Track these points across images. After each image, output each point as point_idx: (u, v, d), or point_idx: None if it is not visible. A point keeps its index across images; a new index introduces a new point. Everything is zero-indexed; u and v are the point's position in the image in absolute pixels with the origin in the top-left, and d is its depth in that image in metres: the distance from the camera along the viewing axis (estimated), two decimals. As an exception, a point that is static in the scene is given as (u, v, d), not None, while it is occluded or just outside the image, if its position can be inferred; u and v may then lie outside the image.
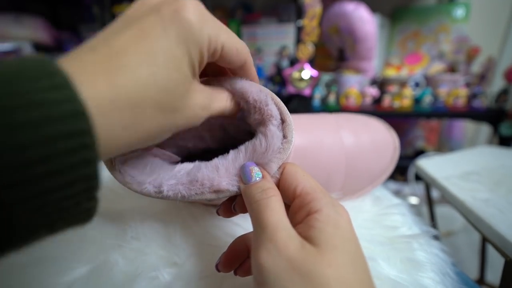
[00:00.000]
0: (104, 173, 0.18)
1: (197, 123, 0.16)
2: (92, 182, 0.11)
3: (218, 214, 0.20)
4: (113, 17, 0.78)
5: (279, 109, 0.18)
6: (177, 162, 0.23)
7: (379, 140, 0.31)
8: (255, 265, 0.13)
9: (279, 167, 0.18)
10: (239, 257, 0.18)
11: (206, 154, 0.25)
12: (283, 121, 0.18)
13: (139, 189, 0.19)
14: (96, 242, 0.25)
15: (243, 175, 0.17)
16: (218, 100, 0.17)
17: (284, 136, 0.18)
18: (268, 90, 0.19)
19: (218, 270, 0.18)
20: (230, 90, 0.19)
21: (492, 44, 0.99)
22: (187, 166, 0.19)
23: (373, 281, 0.13)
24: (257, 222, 0.14)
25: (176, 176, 0.19)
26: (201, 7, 0.14)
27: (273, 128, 0.18)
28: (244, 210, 0.17)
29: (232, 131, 0.24)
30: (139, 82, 0.12)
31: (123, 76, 0.12)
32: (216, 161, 0.19)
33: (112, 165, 0.19)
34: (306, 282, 0.11)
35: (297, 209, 0.15)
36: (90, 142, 0.10)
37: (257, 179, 0.16)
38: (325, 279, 0.11)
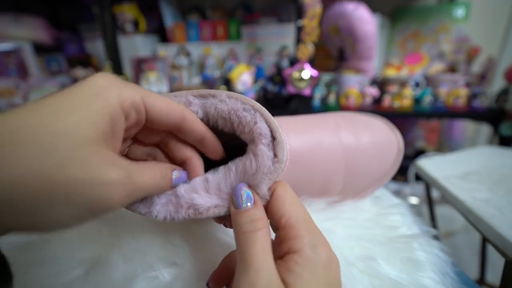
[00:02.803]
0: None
1: (106, 207, 0.13)
2: None
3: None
4: (113, 17, 0.78)
5: (269, 125, 0.17)
6: None
7: (382, 142, 0.30)
8: None
9: (269, 188, 0.17)
10: (229, 274, 0.18)
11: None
12: (273, 138, 0.17)
13: (131, 208, 0.18)
14: (96, 242, 0.25)
15: (234, 198, 0.17)
16: (142, 175, 0.15)
17: (275, 155, 0.17)
18: (255, 103, 0.18)
19: None
20: (211, 113, 0.18)
21: (492, 44, 0.99)
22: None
23: None
24: (242, 257, 0.14)
25: (167, 195, 0.18)
26: (110, 75, 0.15)
27: (263, 148, 0.17)
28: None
29: (223, 138, 0.23)
30: None
31: None
32: (205, 177, 0.18)
33: None
34: None
35: (281, 241, 0.15)
36: None
37: (248, 204, 0.16)
38: None
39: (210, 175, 0.18)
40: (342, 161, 0.28)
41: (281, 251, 0.15)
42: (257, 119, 0.17)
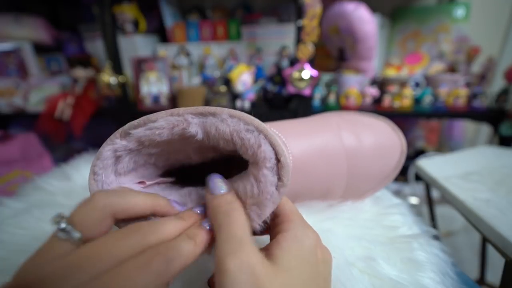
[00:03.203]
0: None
1: None
2: None
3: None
4: (113, 17, 0.78)
5: (274, 148, 0.17)
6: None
7: (384, 144, 0.29)
8: (220, 271, 0.13)
9: None
10: None
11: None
12: (278, 160, 0.17)
13: None
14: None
15: (210, 186, 0.17)
16: None
17: (279, 179, 0.17)
18: (259, 124, 0.17)
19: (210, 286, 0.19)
20: (212, 134, 0.17)
21: (492, 44, 0.99)
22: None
23: None
24: (225, 232, 0.15)
25: None
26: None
27: (267, 173, 0.16)
28: None
29: (225, 152, 0.22)
30: None
31: None
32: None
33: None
34: None
35: (274, 227, 0.17)
36: None
37: (222, 191, 0.17)
38: None
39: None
40: (345, 164, 0.27)
41: (274, 234, 0.16)
42: (261, 141, 0.16)
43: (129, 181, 0.20)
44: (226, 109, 0.17)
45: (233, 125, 0.17)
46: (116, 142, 0.18)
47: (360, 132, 0.29)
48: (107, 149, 0.18)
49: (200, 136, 0.17)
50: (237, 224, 0.15)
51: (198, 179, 0.22)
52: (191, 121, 0.17)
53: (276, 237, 0.16)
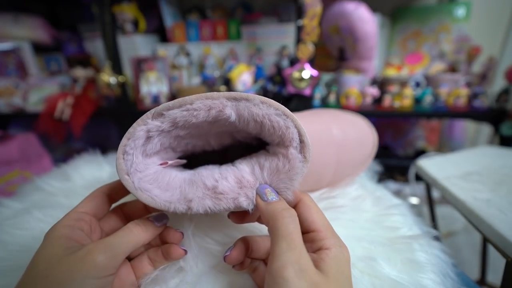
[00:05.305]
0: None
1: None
2: None
3: (228, 217, 0.22)
4: (112, 16, 0.78)
5: (298, 130, 0.19)
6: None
7: (363, 138, 0.34)
8: (277, 277, 0.15)
9: (296, 196, 0.20)
10: (244, 254, 0.21)
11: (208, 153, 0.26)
12: (301, 141, 0.19)
13: (165, 209, 0.20)
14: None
15: (262, 194, 0.20)
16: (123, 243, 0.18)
17: (304, 157, 0.19)
18: (285, 109, 0.19)
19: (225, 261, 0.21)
20: (244, 116, 0.19)
21: (493, 44, 0.99)
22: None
23: None
24: (287, 241, 0.17)
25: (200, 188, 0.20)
26: None
27: (294, 151, 0.19)
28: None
29: (240, 137, 0.24)
30: None
31: None
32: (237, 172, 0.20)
33: (133, 186, 0.19)
34: None
35: (311, 241, 0.19)
36: None
37: (274, 199, 0.19)
38: None
39: (241, 170, 0.21)
40: (335, 154, 0.30)
41: (312, 247, 0.19)
42: (288, 124, 0.19)
43: (153, 162, 0.21)
44: (258, 96, 0.19)
45: (265, 109, 0.19)
46: (148, 123, 0.19)
47: (345, 126, 0.32)
48: (139, 129, 0.19)
49: (233, 118, 0.19)
50: (297, 233, 0.17)
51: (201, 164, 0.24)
52: (226, 104, 0.19)
53: (318, 253, 0.18)
